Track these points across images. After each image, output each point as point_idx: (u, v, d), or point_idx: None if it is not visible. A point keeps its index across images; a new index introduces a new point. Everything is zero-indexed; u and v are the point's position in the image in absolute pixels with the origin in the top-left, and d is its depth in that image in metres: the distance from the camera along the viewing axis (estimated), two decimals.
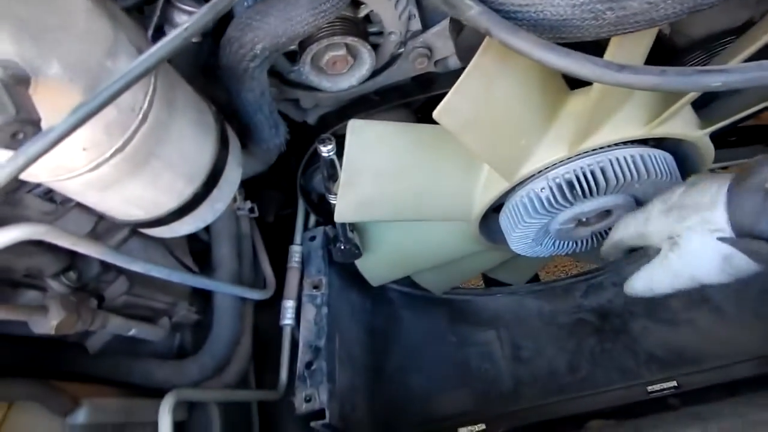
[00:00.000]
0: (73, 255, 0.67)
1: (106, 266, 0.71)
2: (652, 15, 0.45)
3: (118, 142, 0.43)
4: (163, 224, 0.57)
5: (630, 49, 0.54)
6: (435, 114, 0.59)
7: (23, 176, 0.44)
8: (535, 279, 1.41)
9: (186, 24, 0.39)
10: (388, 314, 1.20)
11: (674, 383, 1.02)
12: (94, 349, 0.78)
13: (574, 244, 0.94)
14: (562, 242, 0.91)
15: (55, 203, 0.58)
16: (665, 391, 1.02)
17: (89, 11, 0.39)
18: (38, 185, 0.56)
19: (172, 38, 0.38)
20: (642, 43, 0.56)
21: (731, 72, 0.39)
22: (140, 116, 0.44)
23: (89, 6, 0.39)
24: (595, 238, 0.93)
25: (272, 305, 1.05)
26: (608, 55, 0.54)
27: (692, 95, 0.69)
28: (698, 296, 1.15)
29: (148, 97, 0.44)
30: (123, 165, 0.46)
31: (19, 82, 0.34)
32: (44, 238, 0.53)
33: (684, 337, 1.14)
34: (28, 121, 0.32)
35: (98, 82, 0.39)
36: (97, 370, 0.79)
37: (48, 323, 0.60)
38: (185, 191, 0.54)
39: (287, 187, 1.17)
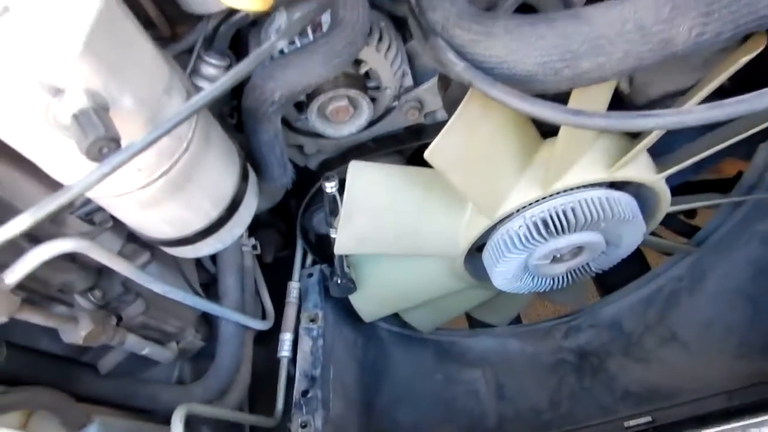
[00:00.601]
0: (99, 275, 0.74)
1: (126, 288, 0.78)
2: (601, 73, 0.56)
3: (165, 166, 0.52)
4: (188, 243, 0.64)
5: (589, 99, 0.65)
6: (426, 154, 0.70)
7: (87, 193, 0.53)
8: (518, 321, 1.48)
9: (231, 72, 0.48)
10: (379, 352, 1.25)
11: (649, 418, 1.08)
12: (105, 370, 0.83)
13: (551, 281, 1.02)
14: (539, 279, 1.00)
15: (94, 224, 0.66)
16: (641, 426, 1.08)
17: (154, 56, 0.49)
18: (81, 206, 0.65)
19: (219, 84, 0.48)
20: (600, 95, 0.68)
21: (660, 116, 0.50)
22: (185, 145, 0.53)
23: (154, 52, 0.49)
24: (570, 276, 1.02)
25: (266, 343, 1.11)
26: (571, 104, 0.65)
27: (646, 143, 0.80)
28: (669, 334, 1.23)
29: (192, 131, 0.54)
30: (166, 186, 0.54)
31: (103, 107, 0.43)
32: (86, 252, 0.60)
33: (657, 373, 1.20)
34: (112, 139, 0.41)
35: (158, 113, 0.48)
36: (106, 391, 0.84)
37: (77, 333, 0.66)
38: (211, 214, 0.63)
39: (286, 230, 1.25)
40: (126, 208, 0.56)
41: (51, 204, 0.40)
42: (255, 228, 1.17)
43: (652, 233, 1.43)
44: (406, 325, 1.27)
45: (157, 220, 0.59)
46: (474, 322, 1.45)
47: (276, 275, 1.18)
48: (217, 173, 0.61)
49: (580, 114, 0.52)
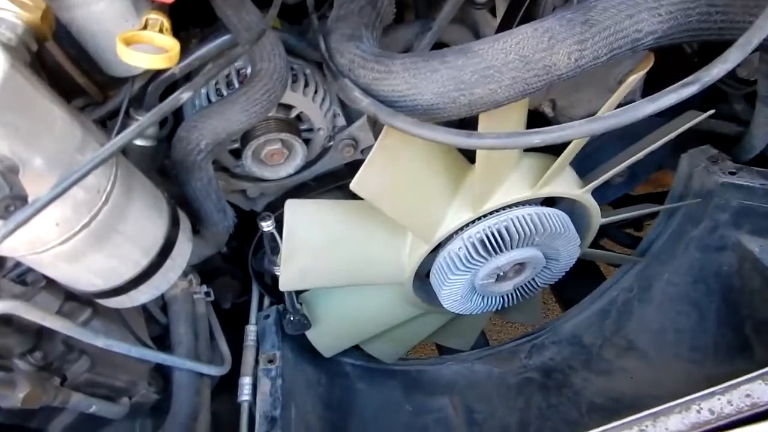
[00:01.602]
0: (39, 336, 0.74)
1: (69, 346, 0.78)
2: (494, 98, 0.61)
3: (85, 219, 0.54)
4: (122, 293, 0.66)
5: (497, 122, 0.70)
6: (351, 186, 0.73)
7: (5, 252, 0.55)
8: (485, 344, 1.50)
9: (132, 127, 0.52)
10: (345, 388, 1.25)
11: None
12: None
13: (501, 299, 1.05)
14: (488, 298, 1.03)
15: (27, 285, 0.67)
16: None
17: (63, 119, 0.52)
18: (12, 269, 0.66)
19: (123, 136, 0.51)
20: (508, 118, 0.72)
21: (544, 132, 0.54)
22: (104, 197, 0.56)
23: (64, 115, 0.52)
24: (519, 293, 1.05)
25: (229, 390, 1.10)
26: (480, 128, 0.69)
27: (562, 162, 0.85)
28: (626, 344, 1.26)
29: (110, 182, 0.56)
30: (89, 239, 0.56)
31: (11, 170, 0.45)
32: (18, 313, 0.61)
33: (619, 384, 1.23)
34: (18, 197, 0.43)
35: (71, 171, 0.51)
36: None
37: (15, 396, 0.66)
38: (142, 261, 0.65)
39: (243, 275, 1.27)
40: (52, 263, 0.57)
41: None
42: (211, 276, 1.18)
43: (602, 247, 1.49)
44: (371, 358, 1.28)
45: (84, 272, 0.60)
46: (443, 350, 1.46)
47: (237, 322, 1.19)
48: (143, 221, 0.64)
49: (472, 136, 0.56)
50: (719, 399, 0.51)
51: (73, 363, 0.77)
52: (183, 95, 0.53)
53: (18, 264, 0.66)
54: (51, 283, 0.71)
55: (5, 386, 0.66)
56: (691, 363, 1.15)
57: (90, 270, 0.60)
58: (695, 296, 1.14)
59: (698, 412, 0.51)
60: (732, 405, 0.50)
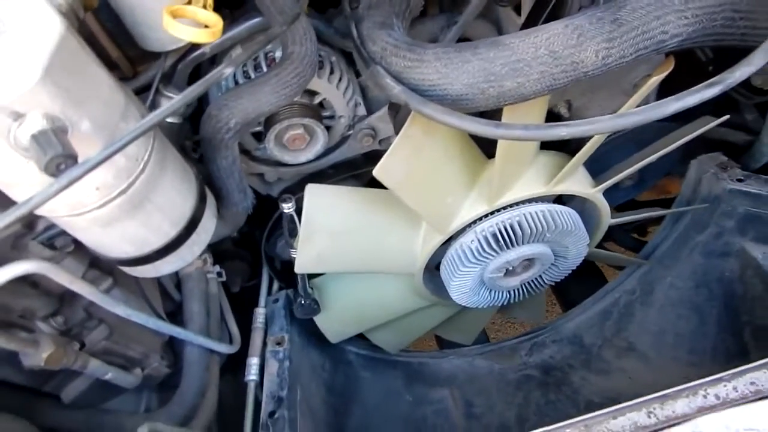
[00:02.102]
0: (61, 301, 0.76)
1: (89, 314, 0.80)
2: (522, 91, 0.62)
3: (123, 185, 0.56)
4: (149, 262, 0.67)
5: (521, 116, 0.72)
6: (374, 172, 0.75)
7: (46, 212, 0.56)
8: (486, 341, 1.52)
9: (177, 98, 0.54)
10: (348, 375, 1.27)
11: None
12: (68, 399, 0.83)
13: (507, 294, 1.07)
14: (496, 292, 1.05)
15: (55, 249, 0.69)
16: None
17: (110, 85, 0.53)
18: (42, 232, 0.68)
19: (165, 108, 0.53)
20: (531, 112, 0.74)
21: (571, 126, 0.56)
22: (141, 166, 0.57)
23: (110, 81, 0.53)
24: (525, 288, 1.07)
25: (235, 371, 1.12)
26: (504, 119, 0.71)
27: (578, 160, 0.87)
28: (626, 345, 1.28)
29: (147, 152, 0.58)
30: (124, 205, 0.58)
31: (62, 130, 0.47)
32: (47, 274, 0.63)
33: (617, 384, 1.25)
34: (69, 156, 0.45)
35: (114, 137, 0.52)
36: (70, 422, 0.84)
37: (39, 355, 0.68)
38: (170, 232, 0.66)
39: (252, 260, 1.29)
40: (86, 227, 0.59)
41: (8, 217, 0.44)
42: (222, 259, 1.20)
43: (606, 249, 1.51)
44: (374, 347, 1.30)
45: (116, 238, 0.62)
46: (444, 344, 1.48)
47: (244, 305, 1.20)
48: (174, 193, 0.65)
49: (500, 126, 0.58)
50: (725, 385, 0.54)
51: (92, 330, 0.79)
52: (226, 70, 0.55)
53: (47, 228, 0.68)
54: (77, 250, 0.72)
55: (29, 345, 0.68)
56: (690, 366, 1.17)
57: (122, 236, 0.62)
58: (697, 301, 1.16)
59: (704, 396, 0.53)
60: (737, 391, 0.52)
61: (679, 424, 0.52)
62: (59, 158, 0.44)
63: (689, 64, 1.09)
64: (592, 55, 0.62)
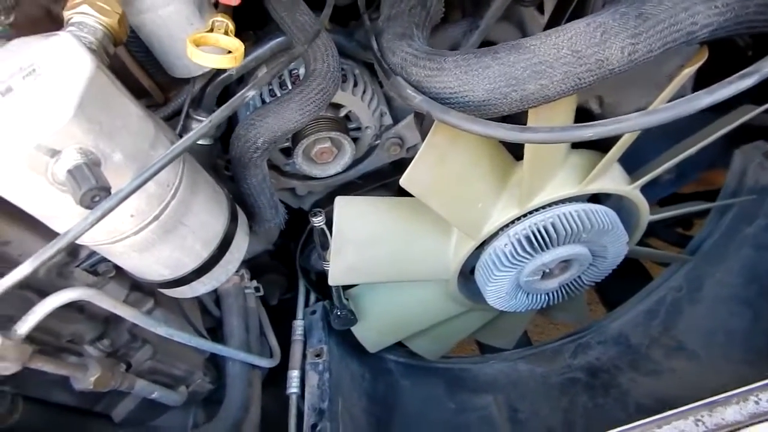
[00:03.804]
0: (107, 324, 0.79)
1: (133, 335, 0.82)
2: (545, 93, 0.61)
3: (156, 211, 0.58)
4: (185, 283, 0.69)
5: (546, 117, 0.70)
6: (401, 182, 0.75)
7: (86, 241, 0.59)
8: (528, 344, 1.49)
9: (202, 125, 0.55)
10: (389, 384, 1.27)
11: None
12: (119, 418, 0.86)
13: (546, 297, 1.05)
14: (534, 295, 1.03)
15: (98, 275, 0.71)
16: None
17: (139, 116, 0.55)
18: (85, 259, 0.70)
19: (192, 134, 0.54)
20: (558, 113, 0.73)
21: (599, 125, 0.54)
22: (172, 191, 0.59)
23: (139, 112, 0.55)
24: (564, 290, 1.05)
25: (278, 384, 1.13)
26: (529, 123, 0.70)
27: (611, 158, 0.85)
28: (675, 344, 1.23)
29: (178, 178, 0.60)
30: (158, 230, 0.60)
31: (95, 163, 0.49)
32: (92, 300, 0.66)
33: (667, 385, 1.20)
34: (103, 188, 0.46)
35: (145, 166, 0.54)
36: None
37: (87, 379, 0.70)
38: (203, 253, 0.68)
39: (288, 273, 1.30)
40: (125, 252, 0.61)
41: (50, 250, 0.46)
42: (259, 272, 1.22)
43: (649, 245, 1.46)
44: (414, 355, 1.29)
45: (153, 262, 0.64)
46: (484, 349, 1.46)
47: (283, 317, 1.22)
48: (205, 215, 0.67)
49: (525, 130, 0.57)
50: None
51: (137, 351, 0.82)
52: (249, 93, 0.56)
53: (89, 255, 0.70)
54: (119, 274, 0.75)
55: (78, 369, 0.70)
56: (744, 364, 1.12)
57: (158, 260, 0.64)
58: (749, 296, 1.11)
59: (756, 402, 0.51)
60: None
61: None
62: (93, 191, 0.46)
63: (727, 51, 1.05)
64: (618, 52, 0.60)
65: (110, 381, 0.74)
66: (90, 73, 0.49)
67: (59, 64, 0.50)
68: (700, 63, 0.75)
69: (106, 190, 0.47)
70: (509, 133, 0.57)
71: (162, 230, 0.60)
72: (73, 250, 0.71)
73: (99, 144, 0.50)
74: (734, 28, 0.65)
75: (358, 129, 0.95)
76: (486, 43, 0.89)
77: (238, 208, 0.78)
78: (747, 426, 0.50)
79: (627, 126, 0.55)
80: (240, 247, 0.74)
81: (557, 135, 0.55)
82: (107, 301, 0.68)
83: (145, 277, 0.68)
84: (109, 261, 0.70)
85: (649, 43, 0.60)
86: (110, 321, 0.79)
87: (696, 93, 0.55)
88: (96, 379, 0.71)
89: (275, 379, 1.15)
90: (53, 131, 0.47)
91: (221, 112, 0.52)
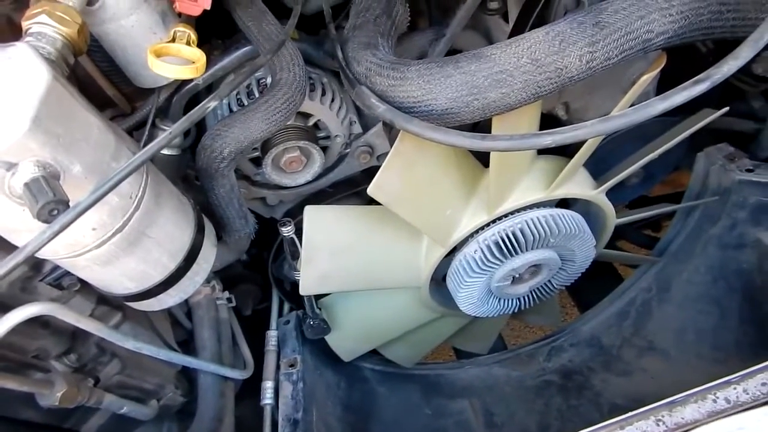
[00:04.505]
0: (73, 339, 0.78)
1: (101, 349, 0.81)
2: (507, 101, 0.62)
3: (118, 223, 0.57)
4: (152, 296, 0.69)
5: (510, 125, 0.71)
6: (369, 190, 0.75)
7: (47, 255, 0.58)
8: (504, 348, 1.50)
9: (162, 136, 0.55)
10: (365, 392, 1.27)
11: None
12: None
13: (517, 301, 1.06)
14: (505, 300, 1.04)
15: (63, 289, 0.70)
16: None
17: (99, 128, 0.55)
18: (49, 273, 0.69)
19: (152, 146, 0.54)
20: (521, 121, 0.74)
21: (555, 133, 0.56)
22: (135, 203, 0.59)
23: (101, 125, 0.55)
24: (535, 295, 1.06)
25: (253, 395, 1.12)
26: (493, 131, 0.71)
27: (576, 163, 0.86)
28: (646, 344, 1.25)
29: (141, 189, 0.59)
30: (121, 242, 0.59)
31: (53, 176, 0.48)
32: (56, 314, 0.64)
33: (639, 384, 1.22)
34: (61, 202, 0.46)
35: (106, 177, 0.54)
36: None
37: (53, 395, 0.69)
38: (170, 265, 0.68)
39: (263, 282, 1.30)
40: (87, 266, 0.60)
41: (6, 265, 0.45)
42: (232, 283, 1.21)
43: (619, 249, 1.49)
44: (390, 362, 1.29)
45: (117, 275, 0.63)
46: (461, 354, 1.47)
47: (259, 328, 1.21)
48: (171, 227, 0.66)
49: (485, 138, 0.58)
50: (735, 388, 0.52)
51: (105, 365, 0.81)
52: (210, 104, 0.56)
53: (54, 269, 0.69)
54: (84, 288, 0.74)
55: (44, 385, 0.69)
56: (714, 362, 1.15)
57: (123, 273, 0.63)
58: (716, 295, 1.14)
59: (714, 401, 0.52)
60: (748, 394, 0.51)
61: (689, 431, 0.50)
62: (51, 204, 0.45)
63: (691, 58, 1.08)
64: (576, 60, 0.62)
65: (77, 397, 0.72)
66: (46, 85, 0.48)
67: (15, 76, 0.49)
68: (659, 69, 0.77)
69: (64, 204, 0.46)
70: (470, 141, 0.58)
71: (126, 243, 0.60)
72: (36, 264, 0.70)
73: (57, 156, 0.49)
74: (690, 35, 0.67)
75: (328, 138, 0.95)
76: (453, 52, 0.90)
77: (205, 218, 0.78)
78: (705, 423, 0.51)
79: (584, 133, 0.56)
80: (207, 258, 0.74)
81: (517, 143, 0.56)
82: (72, 315, 0.67)
83: (111, 290, 0.67)
84: (74, 275, 0.69)
85: (607, 51, 0.62)
86: (77, 335, 0.77)
87: (651, 100, 0.57)
88: (62, 395, 0.70)
89: (253, 390, 1.14)
90: (8, 144, 0.46)
91: (182, 123, 0.52)
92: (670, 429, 0.52)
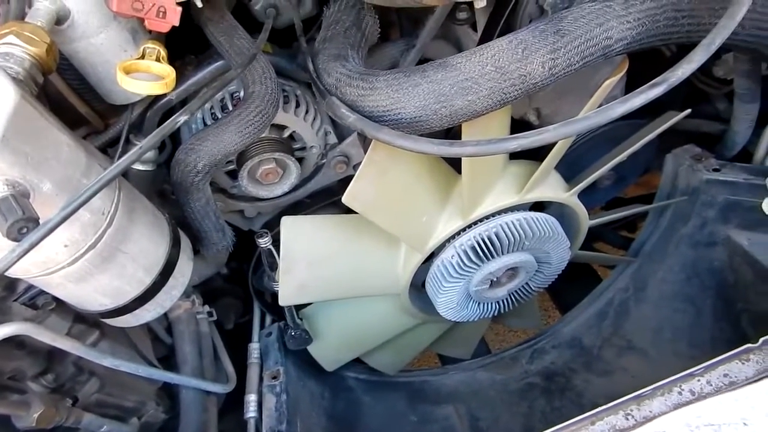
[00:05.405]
0: (50, 358, 0.77)
1: (79, 368, 0.80)
2: (473, 108, 0.64)
3: (91, 240, 0.57)
4: (128, 311, 0.68)
5: (479, 131, 0.73)
6: (343, 199, 0.76)
7: (19, 274, 0.58)
8: (487, 352, 1.51)
9: (131, 152, 0.55)
10: (349, 401, 1.26)
11: None
12: None
13: (497, 305, 1.07)
14: (484, 304, 1.05)
15: (37, 308, 0.70)
16: None
17: (69, 145, 0.55)
18: (23, 293, 0.69)
19: (122, 161, 0.55)
20: (490, 126, 0.75)
21: (521, 138, 0.57)
22: (108, 219, 0.59)
23: (71, 142, 0.55)
24: (513, 298, 1.08)
25: (237, 409, 1.12)
26: (463, 137, 0.72)
27: (546, 166, 0.88)
28: (625, 344, 1.27)
29: (113, 204, 0.60)
30: (95, 259, 0.59)
31: (23, 194, 0.48)
32: (30, 334, 0.64)
33: (620, 383, 1.24)
34: (30, 220, 0.46)
35: (78, 194, 0.54)
36: None
37: (30, 416, 0.68)
38: (145, 280, 0.68)
39: (244, 295, 1.29)
40: (61, 283, 0.60)
41: None
42: (213, 297, 1.21)
43: (597, 250, 1.51)
44: (374, 371, 1.29)
45: (91, 291, 0.63)
46: (445, 360, 1.48)
47: (242, 341, 1.21)
48: (145, 241, 0.67)
49: (453, 145, 0.59)
50: (699, 380, 0.54)
51: (83, 384, 0.80)
52: (180, 118, 0.56)
53: (28, 288, 0.69)
54: (60, 307, 0.73)
55: (20, 407, 0.68)
56: (691, 359, 1.16)
57: (97, 289, 0.63)
58: (690, 293, 1.16)
59: (679, 393, 0.53)
60: (711, 385, 0.53)
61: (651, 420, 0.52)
62: (20, 223, 0.46)
63: (657, 62, 1.11)
64: (539, 66, 0.64)
65: (55, 417, 0.72)
66: (13, 105, 0.48)
67: None
68: (621, 74, 0.80)
69: (33, 221, 0.47)
70: (438, 148, 0.59)
71: (99, 259, 0.60)
72: (10, 284, 0.69)
73: (26, 175, 0.50)
74: (648, 41, 0.69)
75: (303, 149, 0.96)
76: (424, 61, 0.92)
77: (182, 232, 0.78)
78: (667, 413, 0.52)
79: (549, 136, 0.58)
80: (184, 272, 0.74)
81: (484, 148, 0.58)
82: (47, 334, 0.67)
83: (86, 307, 0.67)
84: (48, 293, 0.68)
85: (568, 57, 0.64)
86: (54, 355, 0.77)
87: (611, 103, 0.59)
88: (39, 416, 0.69)
89: (236, 404, 1.13)
90: None
91: (152, 138, 0.53)
92: (639, 422, 0.53)
